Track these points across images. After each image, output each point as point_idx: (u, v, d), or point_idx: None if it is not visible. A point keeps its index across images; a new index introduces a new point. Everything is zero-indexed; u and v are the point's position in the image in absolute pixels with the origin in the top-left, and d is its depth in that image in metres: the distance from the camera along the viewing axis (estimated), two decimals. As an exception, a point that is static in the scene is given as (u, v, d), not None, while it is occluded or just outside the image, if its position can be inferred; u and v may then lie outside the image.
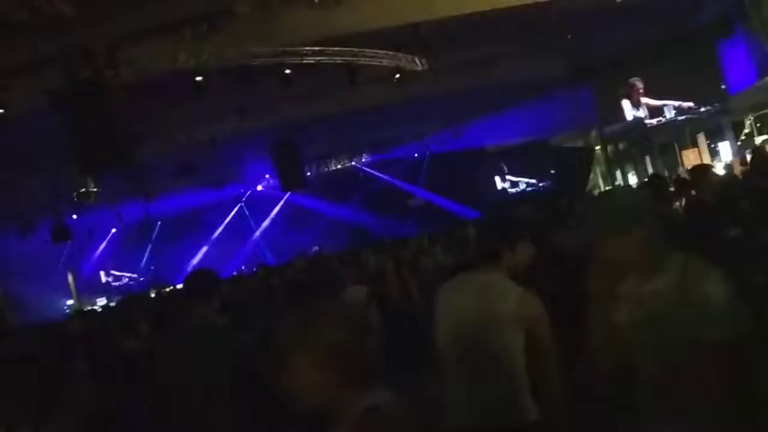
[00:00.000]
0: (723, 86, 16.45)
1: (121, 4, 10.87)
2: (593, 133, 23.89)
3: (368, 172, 25.30)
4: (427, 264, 8.22)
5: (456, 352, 3.15)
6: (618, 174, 23.91)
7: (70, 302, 21.19)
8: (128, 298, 10.52)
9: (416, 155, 25.11)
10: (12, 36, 10.01)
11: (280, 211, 26.02)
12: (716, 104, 16.42)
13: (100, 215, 21.30)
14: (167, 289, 17.19)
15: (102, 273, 23.90)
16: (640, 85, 17.35)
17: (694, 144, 17.13)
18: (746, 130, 15.71)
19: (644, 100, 17.42)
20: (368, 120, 18.29)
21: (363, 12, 12.07)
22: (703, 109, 16.58)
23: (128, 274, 24.13)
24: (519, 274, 3.18)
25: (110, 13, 11.04)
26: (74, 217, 20.08)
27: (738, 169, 12.84)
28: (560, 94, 18.73)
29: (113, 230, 24.45)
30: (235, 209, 26.14)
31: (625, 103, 17.70)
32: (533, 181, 24.62)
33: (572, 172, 24.28)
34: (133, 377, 4.55)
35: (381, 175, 25.12)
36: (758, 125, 15.49)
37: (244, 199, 25.95)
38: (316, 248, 24.53)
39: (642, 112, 17.51)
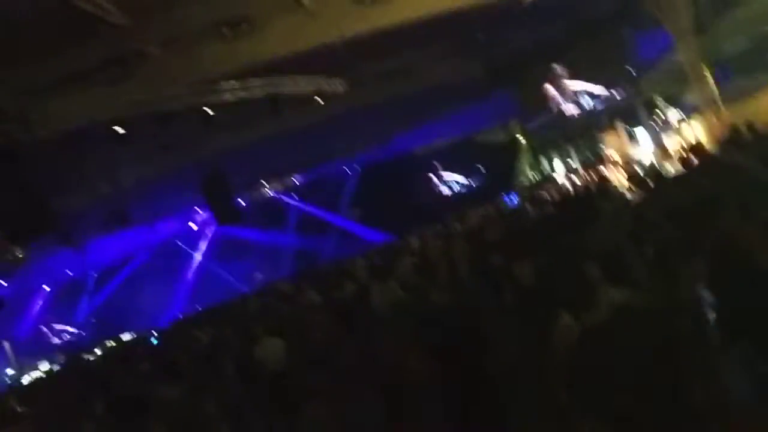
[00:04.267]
0: (631, 70, 17.16)
1: (27, 57, 10.46)
2: (516, 125, 24.43)
3: (299, 194, 25.23)
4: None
5: None
6: (545, 162, 24.50)
7: (10, 372, 20.13)
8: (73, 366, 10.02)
9: (347, 170, 25.18)
10: None
11: (216, 243, 25.59)
12: (626, 87, 17.19)
13: (29, 275, 20.33)
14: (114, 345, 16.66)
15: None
16: (560, 71, 17.98)
17: (613, 127, 17.79)
18: (660, 112, 16.43)
19: (567, 83, 18.06)
20: (295, 142, 18.17)
21: (275, 40, 11.96)
22: (615, 94, 17.34)
23: (70, 329, 23.19)
24: None
25: (16, 68, 10.64)
26: (3, 284, 19.06)
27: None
28: (482, 93, 19.16)
29: (46, 287, 23.50)
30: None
31: (549, 89, 18.31)
32: (464, 180, 24.87)
33: (501, 166, 24.72)
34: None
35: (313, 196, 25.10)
36: (667, 103, 16.28)
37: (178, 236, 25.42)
38: (259, 275, 24.28)
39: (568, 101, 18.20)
